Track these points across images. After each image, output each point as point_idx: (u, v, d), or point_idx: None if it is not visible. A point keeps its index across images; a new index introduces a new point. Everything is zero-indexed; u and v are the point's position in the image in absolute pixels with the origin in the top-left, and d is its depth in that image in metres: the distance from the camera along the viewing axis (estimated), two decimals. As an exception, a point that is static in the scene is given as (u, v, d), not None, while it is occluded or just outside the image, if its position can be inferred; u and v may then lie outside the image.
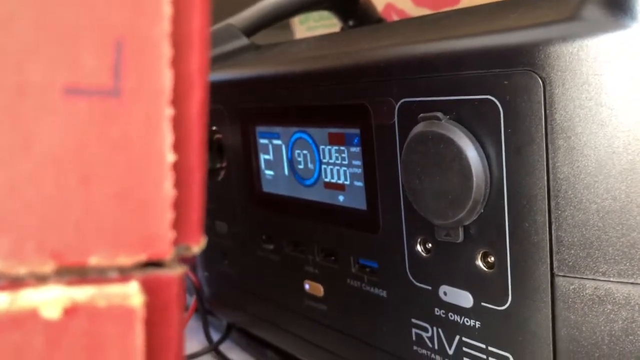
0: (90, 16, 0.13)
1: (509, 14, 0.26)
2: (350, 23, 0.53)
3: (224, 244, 0.44)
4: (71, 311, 0.12)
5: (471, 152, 0.25)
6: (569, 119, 0.22)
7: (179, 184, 0.13)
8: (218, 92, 0.40)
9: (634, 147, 0.21)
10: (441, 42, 0.27)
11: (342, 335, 0.35)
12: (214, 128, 0.42)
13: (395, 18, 0.57)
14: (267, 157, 0.38)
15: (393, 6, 0.58)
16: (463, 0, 0.49)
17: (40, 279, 0.13)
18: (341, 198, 0.33)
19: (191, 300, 0.48)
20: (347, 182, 0.32)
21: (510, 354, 0.26)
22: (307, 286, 0.37)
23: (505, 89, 0.23)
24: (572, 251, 0.23)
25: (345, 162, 0.32)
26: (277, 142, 0.37)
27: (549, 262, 0.23)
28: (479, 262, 0.26)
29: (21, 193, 0.13)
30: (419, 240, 0.29)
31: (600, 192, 0.22)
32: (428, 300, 0.29)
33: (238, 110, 0.40)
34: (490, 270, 0.26)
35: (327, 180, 0.34)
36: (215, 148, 0.42)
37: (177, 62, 0.13)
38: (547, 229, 0.23)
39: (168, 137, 0.13)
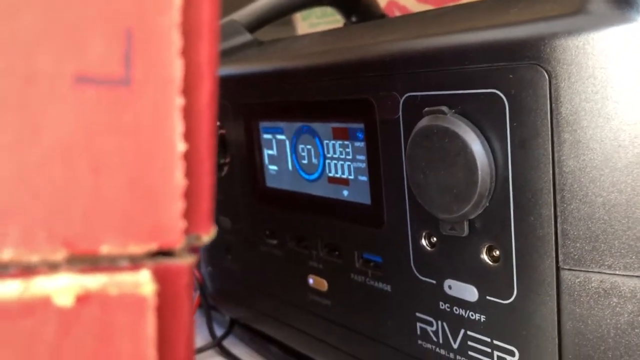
0: (100, 5, 0.13)
1: (514, 7, 0.26)
2: (353, 19, 0.53)
3: (228, 239, 0.44)
4: (83, 299, 0.12)
5: (476, 146, 0.25)
6: (574, 113, 0.22)
7: (189, 173, 0.13)
8: (221, 88, 0.40)
9: (640, 140, 0.21)
10: (446, 36, 0.27)
11: (346, 330, 0.35)
12: (217, 123, 0.42)
13: (398, 14, 0.57)
14: (270, 152, 0.38)
15: (396, 3, 0.58)
16: (466, -4, 0.49)
17: (52, 267, 0.13)
18: (345, 193, 0.33)
19: (195, 296, 0.48)
20: (352, 177, 0.32)
21: (516, 347, 0.26)
22: (311, 281, 0.37)
23: (511, 83, 0.24)
24: (578, 244, 0.23)
25: (350, 157, 0.32)
26: (280, 137, 0.37)
27: (554, 256, 0.23)
28: (484, 256, 0.26)
29: (31, 182, 0.13)
30: (423, 234, 0.29)
31: (606, 186, 0.22)
32: (433, 295, 0.29)
33: (241, 106, 0.40)
34: (496, 264, 0.26)
35: (331, 175, 0.34)
36: (219, 143, 0.42)
37: (187, 52, 0.13)
38: (553, 222, 0.23)
39: (178, 127, 0.13)
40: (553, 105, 0.22)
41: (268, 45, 0.43)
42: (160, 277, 0.13)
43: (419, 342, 0.30)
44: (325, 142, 0.34)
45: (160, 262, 0.13)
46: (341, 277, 0.34)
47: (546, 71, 0.22)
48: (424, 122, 0.26)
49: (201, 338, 0.48)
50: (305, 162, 0.35)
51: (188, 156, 0.13)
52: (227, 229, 0.44)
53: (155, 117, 0.13)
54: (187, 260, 0.14)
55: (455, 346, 0.28)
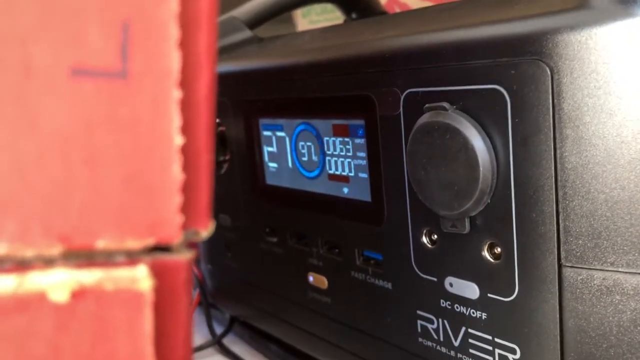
0: (97, -3, 0.13)
1: (516, 2, 0.25)
2: (353, 16, 0.52)
3: (227, 236, 0.44)
4: (79, 294, 0.12)
5: (478, 143, 0.24)
6: (577, 108, 0.22)
7: (187, 167, 0.13)
8: (221, 85, 0.40)
9: (644, 136, 0.21)
10: (447, 32, 0.26)
11: (346, 327, 0.35)
12: (217, 120, 0.42)
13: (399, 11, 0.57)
14: (270, 149, 0.38)
15: (396, 0, 0.58)
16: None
17: (48, 262, 0.12)
18: (345, 190, 0.33)
19: (194, 294, 0.48)
20: (352, 174, 0.32)
21: (517, 345, 0.25)
22: (311, 279, 0.37)
23: (513, 79, 0.23)
24: (580, 241, 0.23)
25: (350, 154, 0.32)
26: (280, 134, 0.37)
27: (556, 253, 0.23)
28: (486, 253, 0.26)
29: (27, 175, 0.12)
30: (424, 231, 0.29)
31: (609, 182, 0.22)
32: (434, 292, 0.29)
33: (241, 103, 0.40)
34: (497, 261, 0.25)
35: (331, 172, 0.34)
36: (218, 140, 0.42)
37: (185, 44, 0.13)
38: (555, 219, 0.23)
39: (176, 120, 0.13)
40: (555, 101, 0.22)
41: (268, 41, 0.43)
42: (158, 272, 0.13)
43: (420, 339, 0.30)
44: (326, 139, 0.33)
45: (158, 258, 0.13)
46: (341, 274, 0.34)
47: (548, 67, 0.22)
48: (424, 118, 0.26)
49: (201, 336, 0.47)
50: (305, 159, 0.35)
51: (186, 150, 0.13)
52: (227, 226, 0.44)
53: (152, 110, 0.13)
54: (185, 256, 0.14)
55: (456, 344, 0.28)
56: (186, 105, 0.13)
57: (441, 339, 0.29)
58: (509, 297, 0.25)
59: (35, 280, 0.12)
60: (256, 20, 0.46)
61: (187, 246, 0.14)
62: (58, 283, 0.12)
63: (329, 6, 0.55)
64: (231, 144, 0.42)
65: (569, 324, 0.23)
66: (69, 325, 0.12)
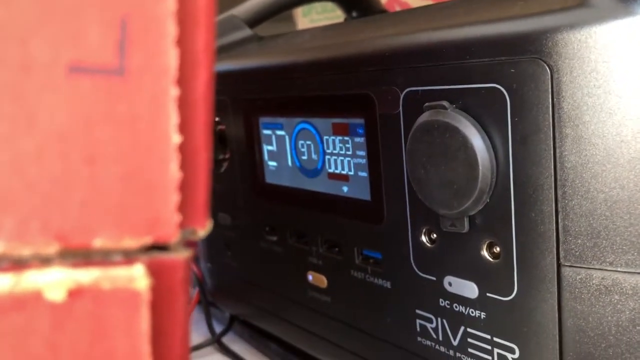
0: (94, -6, 0.12)
1: (516, 1, 0.25)
2: (354, 15, 0.52)
3: (227, 235, 0.44)
4: (75, 293, 0.12)
5: (477, 141, 0.24)
6: (576, 107, 0.22)
7: (184, 165, 0.13)
8: (221, 83, 0.40)
9: (643, 135, 0.21)
10: (447, 30, 0.26)
11: (345, 326, 0.35)
12: (216, 119, 0.42)
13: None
14: (270, 148, 0.38)
15: (397, -2, 0.58)
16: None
17: (44, 261, 0.12)
18: (345, 189, 0.33)
19: (194, 292, 0.48)
20: (351, 173, 0.32)
21: (516, 344, 0.25)
22: (310, 277, 0.37)
23: (512, 77, 0.23)
24: (579, 241, 0.23)
25: (350, 153, 0.32)
26: (280, 132, 0.37)
27: (555, 252, 0.23)
28: (485, 253, 0.26)
29: (25, 173, 0.12)
30: (423, 230, 0.28)
31: (608, 181, 0.22)
32: (433, 291, 0.29)
33: (241, 101, 0.40)
34: (496, 261, 0.25)
35: (331, 170, 0.33)
36: (218, 139, 0.42)
37: (183, 41, 0.13)
38: (554, 218, 0.23)
39: (173, 118, 0.13)
40: (555, 99, 0.22)
41: (268, 40, 0.43)
42: (155, 271, 0.13)
43: (419, 339, 0.30)
44: (325, 137, 0.33)
45: (155, 257, 0.13)
46: (341, 273, 0.34)
47: (548, 65, 0.22)
48: (424, 117, 0.26)
49: (200, 335, 0.47)
50: (305, 158, 0.35)
51: (183, 148, 0.13)
52: (227, 225, 0.44)
53: (150, 107, 0.13)
54: (182, 255, 0.14)
55: (455, 343, 0.28)
56: (184, 103, 0.13)
57: (440, 338, 0.29)
58: (508, 296, 0.25)
59: (32, 279, 0.12)
60: (256, 19, 0.46)
61: (184, 245, 0.14)
62: (54, 282, 0.12)
63: (329, 5, 0.55)
64: (231, 143, 0.42)
65: (568, 324, 0.23)
66: (66, 324, 0.12)
